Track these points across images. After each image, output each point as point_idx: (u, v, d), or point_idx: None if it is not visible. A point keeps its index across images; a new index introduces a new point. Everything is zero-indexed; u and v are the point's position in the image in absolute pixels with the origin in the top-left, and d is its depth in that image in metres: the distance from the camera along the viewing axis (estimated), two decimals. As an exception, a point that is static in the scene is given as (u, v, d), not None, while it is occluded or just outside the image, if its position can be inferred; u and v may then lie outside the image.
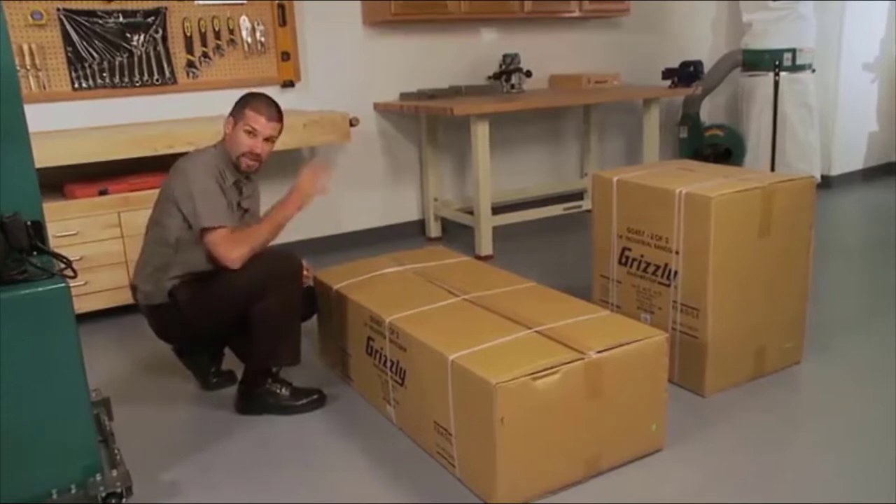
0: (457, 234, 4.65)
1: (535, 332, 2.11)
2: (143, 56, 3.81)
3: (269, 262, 2.37)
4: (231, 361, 2.73)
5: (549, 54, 5.04)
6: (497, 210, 4.35)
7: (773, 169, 5.12)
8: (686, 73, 5.19)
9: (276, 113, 2.49)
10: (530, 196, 5.04)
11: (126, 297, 3.36)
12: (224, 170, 2.46)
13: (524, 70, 4.62)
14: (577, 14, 4.89)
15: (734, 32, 5.61)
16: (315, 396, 2.54)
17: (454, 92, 4.55)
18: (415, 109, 4.31)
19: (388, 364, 2.35)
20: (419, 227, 4.82)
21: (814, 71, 5.18)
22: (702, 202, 2.38)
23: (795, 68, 5.09)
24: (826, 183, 5.54)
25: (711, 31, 5.82)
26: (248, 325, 2.40)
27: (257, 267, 2.35)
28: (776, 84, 5.10)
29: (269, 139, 2.49)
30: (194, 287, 2.43)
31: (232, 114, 2.49)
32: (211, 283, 2.41)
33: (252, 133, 2.44)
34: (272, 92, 4.10)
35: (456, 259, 2.89)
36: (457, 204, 4.75)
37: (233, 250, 2.34)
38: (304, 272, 2.56)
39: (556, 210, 4.58)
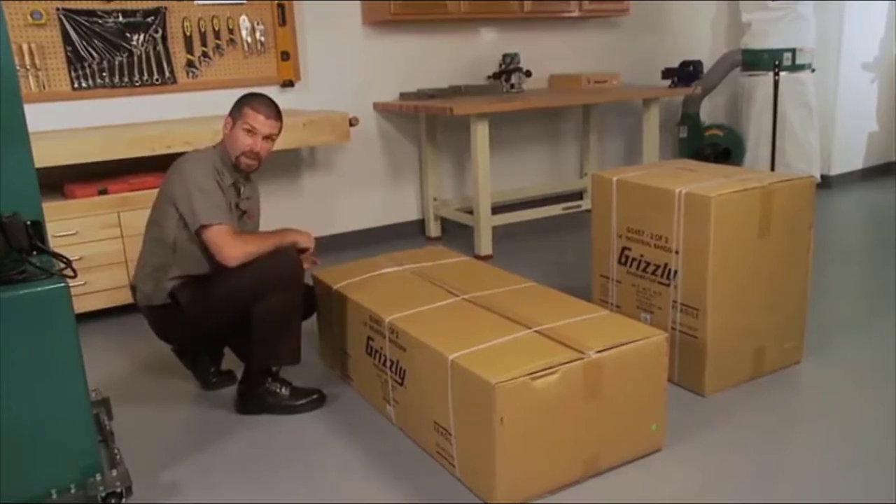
0: (456, 233, 4.65)
1: (535, 331, 2.11)
2: (143, 56, 3.80)
3: (269, 262, 2.37)
4: (231, 361, 2.73)
5: (548, 54, 5.04)
6: (497, 210, 4.35)
7: (772, 169, 5.13)
8: (686, 73, 5.19)
9: (275, 112, 2.49)
10: (530, 196, 5.04)
11: (126, 297, 3.36)
12: (222, 170, 2.47)
13: (524, 70, 4.62)
14: (576, 14, 4.89)
15: (734, 32, 5.61)
16: (315, 396, 2.54)
17: (454, 92, 4.55)
18: (414, 109, 4.31)
19: (388, 364, 2.34)
20: (419, 226, 4.82)
21: (813, 71, 5.19)
22: (701, 202, 2.38)
23: (795, 68, 5.10)
24: (826, 183, 5.54)
25: (711, 31, 5.82)
26: (248, 325, 2.40)
27: (258, 267, 2.35)
28: (776, 84, 5.10)
29: (268, 138, 2.49)
30: (195, 288, 2.43)
31: (231, 114, 2.49)
32: (212, 283, 2.41)
33: (251, 131, 2.44)
34: (272, 92, 4.11)
35: (455, 259, 2.89)
36: (456, 204, 4.75)
37: (233, 248, 2.33)
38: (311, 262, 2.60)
39: (555, 210, 4.58)
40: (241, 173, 2.53)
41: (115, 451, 2.11)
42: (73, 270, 1.84)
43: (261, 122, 2.44)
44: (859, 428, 2.28)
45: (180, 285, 2.44)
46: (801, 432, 2.34)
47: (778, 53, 5.07)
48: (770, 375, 2.63)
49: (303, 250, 2.55)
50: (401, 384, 2.29)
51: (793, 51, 5.06)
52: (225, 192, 2.44)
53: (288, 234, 2.53)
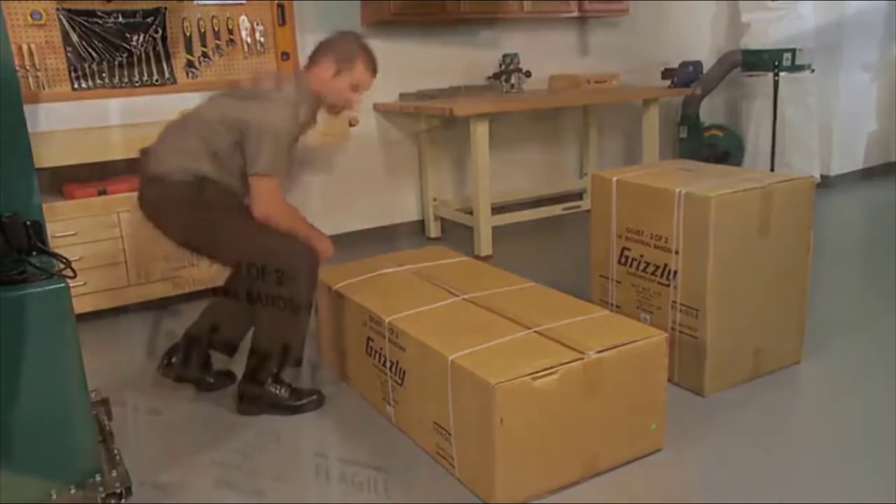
0: (456, 234, 4.65)
1: (535, 332, 2.11)
2: (143, 56, 3.80)
3: (303, 249, 2.33)
4: (232, 361, 2.73)
5: (548, 54, 5.04)
6: (496, 210, 4.35)
7: (772, 169, 5.12)
8: (685, 74, 5.19)
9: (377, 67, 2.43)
10: (530, 196, 5.04)
11: (125, 298, 3.36)
12: (297, 121, 2.34)
13: (524, 70, 4.62)
14: (576, 14, 4.89)
15: (734, 32, 5.61)
16: (314, 396, 2.54)
17: (454, 92, 4.55)
18: (414, 110, 4.31)
19: (388, 364, 2.34)
20: (419, 227, 4.82)
21: (813, 71, 5.18)
22: (701, 202, 2.38)
23: (795, 68, 5.10)
24: (825, 183, 5.54)
25: (711, 31, 5.81)
26: (255, 322, 2.39)
27: (297, 249, 2.30)
28: (776, 84, 5.10)
29: None
30: (228, 198, 2.28)
31: (336, 58, 2.37)
32: (249, 219, 2.30)
33: (357, 88, 2.38)
34: (272, 92, 4.08)
35: (455, 259, 2.89)
36: (456, 204, 4.75)
37: (269, 206, 2.28)
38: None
39: (555, 210, 4.58)
40: (308, 124, 2.43)
41: (115, 451, 2.11)
42: (73, 270, 1.83)
43: (368, 81, 2.38)
44: (859, 428, 2.28)
45: (214, 187, 2.29)
46: (801, 432, 2.34)
47: (778, 53, 5.07)
48: (770, 375, 2.63)
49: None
50: (400, 384, 2.29)
51: (793, 51, 5.06)
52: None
53: (315, 233, 2.51)
